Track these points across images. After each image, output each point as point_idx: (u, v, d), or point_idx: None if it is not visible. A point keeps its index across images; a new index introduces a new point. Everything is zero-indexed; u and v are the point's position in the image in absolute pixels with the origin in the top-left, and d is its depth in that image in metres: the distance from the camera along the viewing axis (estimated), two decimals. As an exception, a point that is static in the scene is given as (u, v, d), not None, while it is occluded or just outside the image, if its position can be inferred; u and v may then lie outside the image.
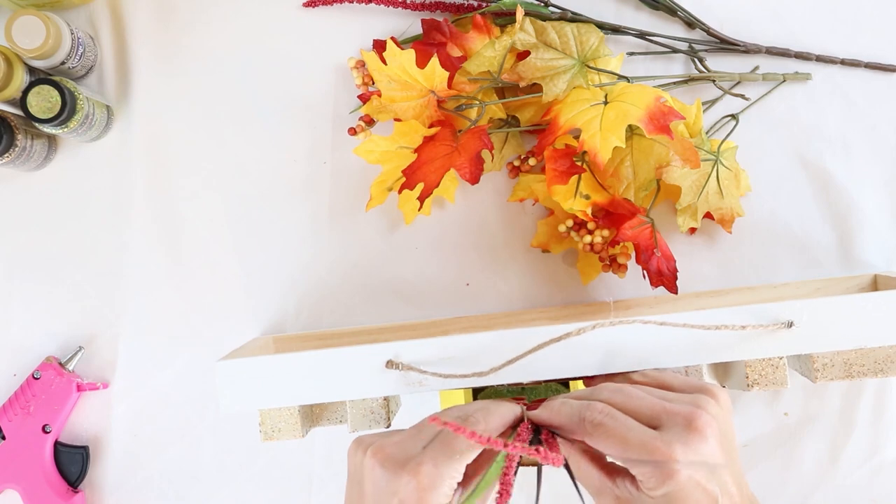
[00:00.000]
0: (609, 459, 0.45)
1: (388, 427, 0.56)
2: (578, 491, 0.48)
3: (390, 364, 0.54)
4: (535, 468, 0.48)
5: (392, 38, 0.66)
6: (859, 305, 0.52)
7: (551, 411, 0.46)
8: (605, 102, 0.58)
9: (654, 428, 0.42)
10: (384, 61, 0.61)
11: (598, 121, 0.58)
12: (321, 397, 0.55)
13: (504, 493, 0.42)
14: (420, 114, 0.63)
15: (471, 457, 0.44)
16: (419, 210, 0.64)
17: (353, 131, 0.67)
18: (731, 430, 0.44)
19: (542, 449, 0.40)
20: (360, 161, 0.66)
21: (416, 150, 0.62)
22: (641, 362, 0.53)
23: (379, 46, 0.67)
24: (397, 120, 0.64)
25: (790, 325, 0.52)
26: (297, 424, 0.56)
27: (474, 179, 0.58)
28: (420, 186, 0.59)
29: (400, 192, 0.63)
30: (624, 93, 0.58)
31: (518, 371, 0.53)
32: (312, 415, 0.59)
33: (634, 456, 0.41)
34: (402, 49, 0.60)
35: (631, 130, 0.61)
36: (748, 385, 0.54)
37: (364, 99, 0.66)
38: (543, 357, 0.52)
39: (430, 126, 0.63)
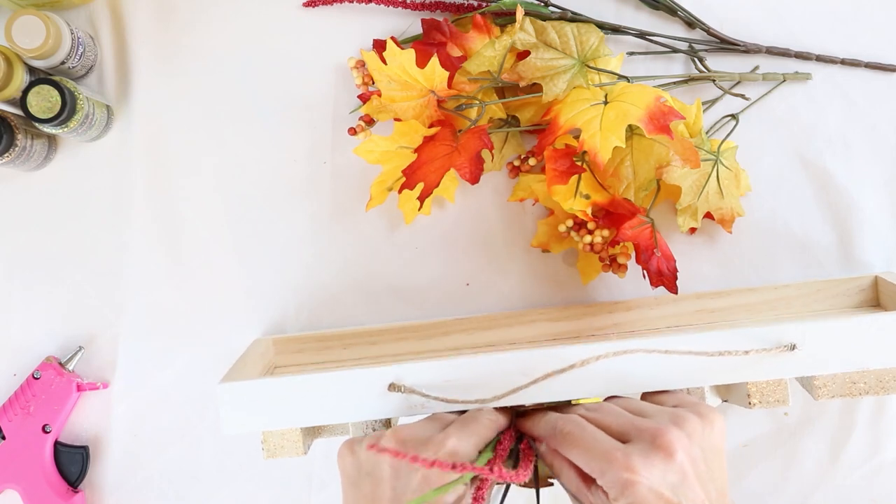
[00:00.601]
0: None
1: None
2: (538, 496, 0.50)
3: (392, 387, 0.53)
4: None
5: (392, 38, 0.66)
6: (862, 327, 0.52)
7: (533, 421, 0.49)
8: (605, 102, 0.58)
9: (624, 442, 0.43)
10: (384, 61, 0.61)
11: (598, 121, 0.57)
12: (323, 419, 0.54)
13: None
14: (420, 114, 0.63)
15: (489, 438, 0.45)
16: (419, 210, 0.63)
17: (353, 131, 0.67)
18: (715, 449, 0.44)
19: (496, 468, 0.41)
20: (360, 161, 0.65)
21: (416, 150, 0.62)
22: (644, 385, 0.52)
23: (379, 46, 0.67)
24: (397, 120, 0.64)
25: (793, 347, 0.52)
26: (299, 442, 0.55)
27: (474, 179, 0.58)
28: (420, 186, 0.59)
29: (400, 192, 0.63)
30: (624, 93, 0.58)
31: (521, 396, 0.52)
32: (314, 430, 0.58)
33: (596, 465, 0.42)
34: (402, 49, 0.60)
35: (631, 130, 0.61)
36: (750, 404, 0.53)
37: (364, 99, 0.66)
38: (545, 382, 0.52)
39: (430, 126, 0.63)
